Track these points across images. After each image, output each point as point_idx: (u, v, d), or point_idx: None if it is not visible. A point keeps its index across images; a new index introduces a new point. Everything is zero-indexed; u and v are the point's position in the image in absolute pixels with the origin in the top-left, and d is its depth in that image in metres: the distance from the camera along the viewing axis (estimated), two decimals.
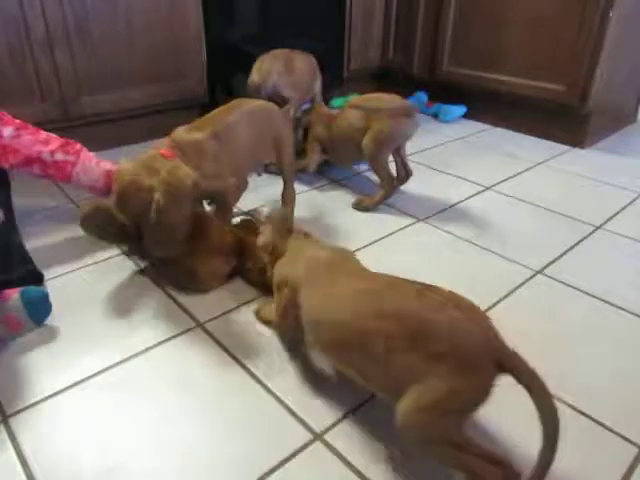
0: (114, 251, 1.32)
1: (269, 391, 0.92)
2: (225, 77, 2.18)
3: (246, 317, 1.10)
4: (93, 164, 1.36)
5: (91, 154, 1.38)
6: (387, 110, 1.50)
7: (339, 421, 0.86)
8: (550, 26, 1.98)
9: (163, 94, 1.99)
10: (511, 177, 1.79)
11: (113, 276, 1.22)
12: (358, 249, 1.34)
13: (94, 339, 1.03)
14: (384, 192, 1.54)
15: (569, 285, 1.22)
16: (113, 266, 1.26)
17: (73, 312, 1.10)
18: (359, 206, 1.56)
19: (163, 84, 1.98)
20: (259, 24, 2.20)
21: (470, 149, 2.06)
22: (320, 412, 0.88)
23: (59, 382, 0.93)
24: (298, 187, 1.60)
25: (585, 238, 1.42)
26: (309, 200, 1.61)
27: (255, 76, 1.85)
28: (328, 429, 0.84)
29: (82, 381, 0.93)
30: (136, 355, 0.99)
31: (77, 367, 0.96)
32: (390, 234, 1.42)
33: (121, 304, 1.13)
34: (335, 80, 2.47)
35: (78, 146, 1.36)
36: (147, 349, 1.01)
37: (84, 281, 1.20)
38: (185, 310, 1.12)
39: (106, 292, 1.17)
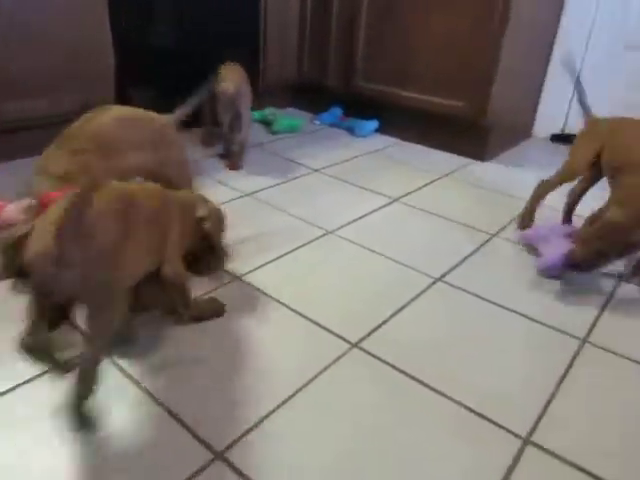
0: None
1: (167, 410, 0.89)
2: (136, 85, 2.14)
3: (143, 337, 1.07)
4: None
5: None
6: None
7: (241, 437, 0.86)
8: (452, 47, 2.10)
9: (69, 102, 1.91)
10: (417, 189, 1.87)
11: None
12: (268, 262, 1.35)
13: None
14: None
15: (467, 291, 1.28)
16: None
17: None
18: None
19: (69, 92, 1.90)
20: (170, 34, 2.18)
21: (381, 162, 2.13)
22: (221, 429, 0.87)
23: None
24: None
25: (482, 246, 1.50)
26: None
27: (230, 85, 1.91)
28: (229, 447, 0.84)
29: None
30: (22, 384, 0.94)
31: None
32: (300, 246, 1.44)
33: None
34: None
35: None
36: (31, 379, 0.96)
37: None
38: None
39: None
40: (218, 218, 1.17)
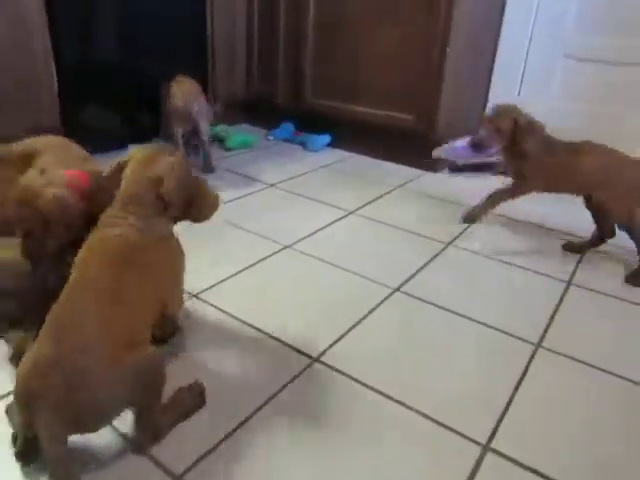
0: None
1: (121, 434, 0.86)
2: (84, 106, 2.10)
3: None
4: None
5: None
6: None
7: (199, 460, 0.83)
8: (400, 62, 2.15)
9: (8, 126, 1.84)
10: (372, 201, 1.90)
11: None
12: (226, 279, 1.33)
13: None
14: None
15: (424, 300, 1.30)
16: None
17: None
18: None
19: (10, 117, 1.83)
20: (118, 54, 2.15)
21: (335, 176, 2.14)
22: (178, 452, 0.84)
23: None
24: None
25: (437, 255, 1.53)
26: None
27: (180, 101, 1.95)
28: (187, 470, 0.81)
29: None
30: None
31: None
32: (258, 261, 1.43)
33: None
34: None
35: None
36: None
37: None
38: None
39: None
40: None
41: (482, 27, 2.32)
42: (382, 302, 1.28)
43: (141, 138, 2.31)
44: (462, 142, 1.97)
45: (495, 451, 0.88)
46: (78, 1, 1.95)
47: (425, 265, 1.47)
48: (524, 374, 1.06)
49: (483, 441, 0.90)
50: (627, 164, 1.45)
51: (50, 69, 1.91)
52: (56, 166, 1.08)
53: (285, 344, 1.11)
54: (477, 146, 1.53)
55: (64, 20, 1.92)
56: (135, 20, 2.16)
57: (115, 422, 0.88)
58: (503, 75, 2.52)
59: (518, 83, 2.53)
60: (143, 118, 2.30)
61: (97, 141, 2.15)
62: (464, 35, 2.09)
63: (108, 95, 2.17)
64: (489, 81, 2.55)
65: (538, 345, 1.15)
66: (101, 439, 0.85)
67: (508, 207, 1.85)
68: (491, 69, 2.53)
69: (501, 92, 2.55)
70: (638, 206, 1.46)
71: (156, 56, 2.27)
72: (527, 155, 1.48)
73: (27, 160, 1.15)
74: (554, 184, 1.53)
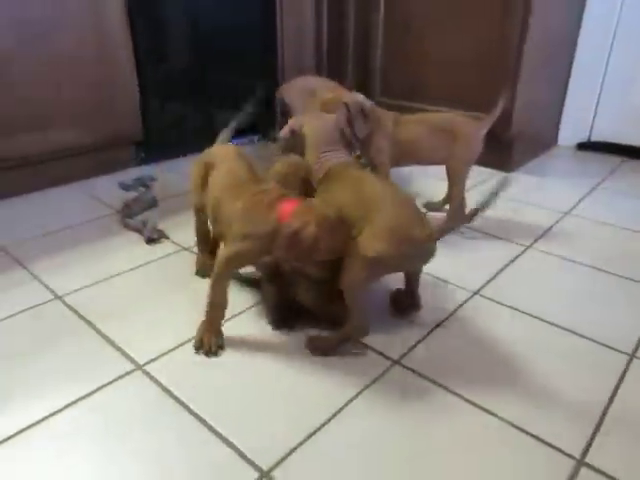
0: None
1: (213, 430, 0.89)
2: (162, 114, 2.19)
3: (190, 356, 1.07)
4: None
5: None
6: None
7: (287, 455, 0.84)
8: (473, 62, 2.10)
9: (93, 134, 1.94)
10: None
11: (41, 323, 1.17)
12: None
13: (25, 388, 0.97)
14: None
15: (505, 305, 1.26)
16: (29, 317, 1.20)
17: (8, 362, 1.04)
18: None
19: (93, 125, 1.94)
20: (193, 61, 2.24)
21: (406, 176, 2.12)
22: (266, 447, 0.85)
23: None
24: None
25: (517, 258, 1.48)
26: None
27: (278, 93, 2.07)
28: (275, 466, 0.82)
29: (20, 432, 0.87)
30: (74, 403, 0.94)
31: (15, 416, 0.90)
32: None
33: (47, 350, 1.07)
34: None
35: None
36: (82, 397, 0.96)
37: (19, 329, 1.14)
38: (121, 351, 1.07)
39: (37, 341, 1.11)
40: None
41: (562, 23, 2.22)
42: (462, 305, 1.25)
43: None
44: None
45: (590, 466, 0.84)
46: (155, 12, 2.04)
47: (505, 268, 1.43)
48: (618, 385, 1.01)
49: (577, 455, 0.86)
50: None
51: (133, 79, 2.00)
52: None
53: (365, 346, 1.10)
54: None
55: (143, 31, 2.01)
56: (207, 28, 2.23)
57: (202, 413, 0.91)
58: (582, 73, 2.41)
59: (599, 82, 2.41)
60: (220, 122, 2.37)
61: (177, 147, 2.26)
62: (541, 33, 2.00)
63: (185, 102, 2.27)
64: (567, 79, 2.45)
65: (632, 356, 1.09)
66: (192, 436, 0.88)
67: (591, 209, 1.77)
68: (570, 67, 2.42)
69: (580, 91, 2.43)
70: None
71: (228, 62, 2.34)
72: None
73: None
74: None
